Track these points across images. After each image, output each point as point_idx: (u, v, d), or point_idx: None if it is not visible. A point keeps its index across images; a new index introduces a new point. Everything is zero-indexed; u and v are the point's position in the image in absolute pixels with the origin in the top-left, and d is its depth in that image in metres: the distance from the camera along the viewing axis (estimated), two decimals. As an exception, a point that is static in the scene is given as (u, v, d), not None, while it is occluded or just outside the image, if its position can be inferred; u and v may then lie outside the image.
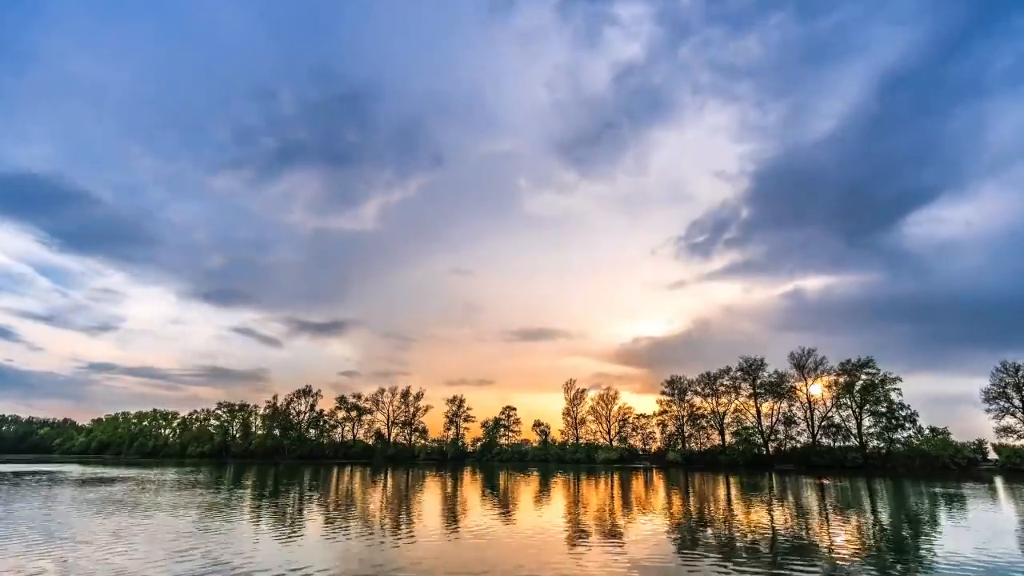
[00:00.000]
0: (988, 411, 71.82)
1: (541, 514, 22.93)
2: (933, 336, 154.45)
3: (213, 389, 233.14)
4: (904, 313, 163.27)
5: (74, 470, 59.39)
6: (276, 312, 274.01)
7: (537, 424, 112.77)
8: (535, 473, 61.52)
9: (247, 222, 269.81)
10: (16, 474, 48.29)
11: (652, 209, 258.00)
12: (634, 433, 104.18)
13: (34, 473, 50.65)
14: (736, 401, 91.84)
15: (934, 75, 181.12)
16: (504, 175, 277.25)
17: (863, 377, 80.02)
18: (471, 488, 38.44)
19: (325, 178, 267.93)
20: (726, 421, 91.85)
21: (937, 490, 36.36)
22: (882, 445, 76.72)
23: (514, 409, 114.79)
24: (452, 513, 22.83)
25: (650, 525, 19.34)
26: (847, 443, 79.72)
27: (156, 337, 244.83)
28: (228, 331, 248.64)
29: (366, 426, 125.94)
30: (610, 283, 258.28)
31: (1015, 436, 69.40)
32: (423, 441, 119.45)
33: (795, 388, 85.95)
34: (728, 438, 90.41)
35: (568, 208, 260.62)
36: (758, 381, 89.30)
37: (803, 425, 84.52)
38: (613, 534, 17.23)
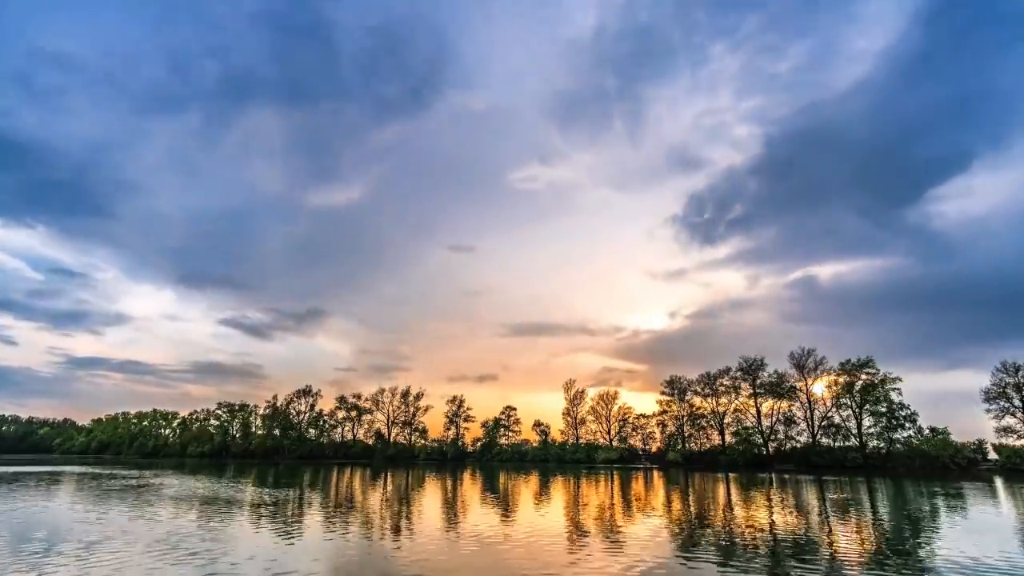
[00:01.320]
0: (988, 411, 71.91)
1: (541, 515, 22.92)
2: (960, 327, 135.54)
3: (203, 387, 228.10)
4: (928, 302, 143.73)
5: (74, 470, 59.38)
6: (259, 300, 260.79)
7: (537, 424, 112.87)
8: (535, 473, 61.50)
9: (205, 185, 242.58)
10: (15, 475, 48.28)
11: (649, 183, 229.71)
12: (634, 433, 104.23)
13: (35, 474, 50.63)
14: (736, 401, 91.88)
15: (985, 4, 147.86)
16: (482, 139, 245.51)
17: (863, 377, 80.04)
18: (471, 489, 38.44)
19: (287, 123, 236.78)
20: (726, 421, 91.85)
21: (937, 491, 36.36)
22: (882, 445, 76.71)
23: (514, 409, 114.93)
24: (452, 515, 22.82)
25: (650, 526, 19.33)
26: (847, 443, 79.71)
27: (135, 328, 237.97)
28: (208, 320, 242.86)
29: (366, 426, 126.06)
30: (609, 270, 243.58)
31: (1015, 436, 69.45)
32: (423, 441, 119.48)
33: (795, 388, 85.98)
34: (728, 438, 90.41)
35: (555, 181, 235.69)
36: (758, 381, 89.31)
37: (803, 425, 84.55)
38: (613, 535, 17.23)
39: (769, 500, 30.02)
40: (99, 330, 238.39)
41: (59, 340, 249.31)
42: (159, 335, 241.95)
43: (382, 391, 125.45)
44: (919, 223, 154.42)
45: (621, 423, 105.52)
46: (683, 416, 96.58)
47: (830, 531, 18.19)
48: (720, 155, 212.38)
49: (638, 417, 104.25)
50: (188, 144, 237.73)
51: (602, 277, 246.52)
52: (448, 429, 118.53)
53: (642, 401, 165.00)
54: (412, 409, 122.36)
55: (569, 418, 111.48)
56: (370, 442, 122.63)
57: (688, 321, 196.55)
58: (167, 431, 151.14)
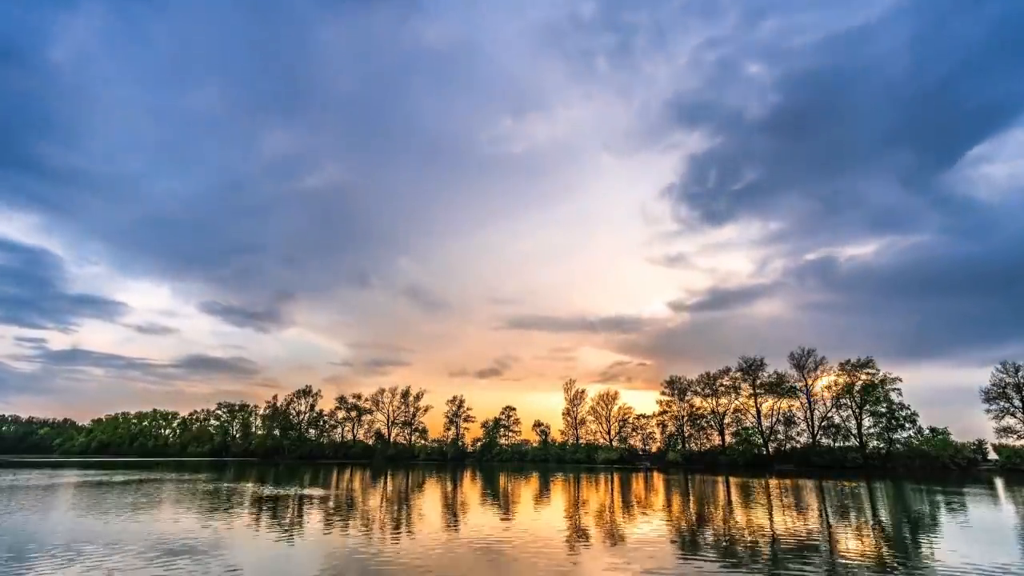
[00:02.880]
0: (988, 411, 71.95)
1: (541, 517, 22.91)
2: (996, 313, 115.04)
3: (193, 381, 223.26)
4: (971, 285, 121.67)
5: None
6: (251, 292, 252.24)
7: (537, 424, 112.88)
8: (535, 474, 61.49)
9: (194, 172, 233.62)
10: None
11: (644, 145, 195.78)
12: (634, 433, 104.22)
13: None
14: (736, 401, 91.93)
15: None
16: (450, 90, 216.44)
17: (863, 377, 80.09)
18: (471, 490, 38.43)
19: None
20: (726, 421, 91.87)
21: (936, 492, 36.33)
22: (882, 445, 76.73)
23: (514, 409, 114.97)
24: (452, 517, 22.80)
25: (650, 527, 19.31)
26: (847, 443, 79.76)
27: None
28: (198, 313, 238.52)
29: (366, 426, 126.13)
30: (604, 255, 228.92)
31: (1015, 436, 69.48)
32: (423, 441, 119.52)
33: (795, 388, 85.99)
34: (728, 438, 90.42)
35: (535, 145, 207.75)
36: (758, 381, 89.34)
37: (803, 425, 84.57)
38: (613, 537, 17.21)
39: (769, 500, 30.01)
40: (76, 322, 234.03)
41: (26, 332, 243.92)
42: (144, 328, 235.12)
43: (382, 391, 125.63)
44: (957, 189, 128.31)
45: (621, 423, 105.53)
46: (683, 416, 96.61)
47: (830, 532, 18.18)
48: (726, 103, 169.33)
49: (638, 417, 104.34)
50: (136, 99, 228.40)
51: (597, 262, 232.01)
52: (448, 429, 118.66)
53: (644, 399, 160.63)
54: (412, 409, 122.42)
55: (569, 418, 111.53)
56: (370, 442, 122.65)
57: (691, 312, 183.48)
58: (167, 431, 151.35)
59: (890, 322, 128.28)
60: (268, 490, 34.43)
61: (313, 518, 21.27)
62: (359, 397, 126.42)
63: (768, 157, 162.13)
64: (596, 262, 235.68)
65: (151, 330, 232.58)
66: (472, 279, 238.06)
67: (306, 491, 33.90)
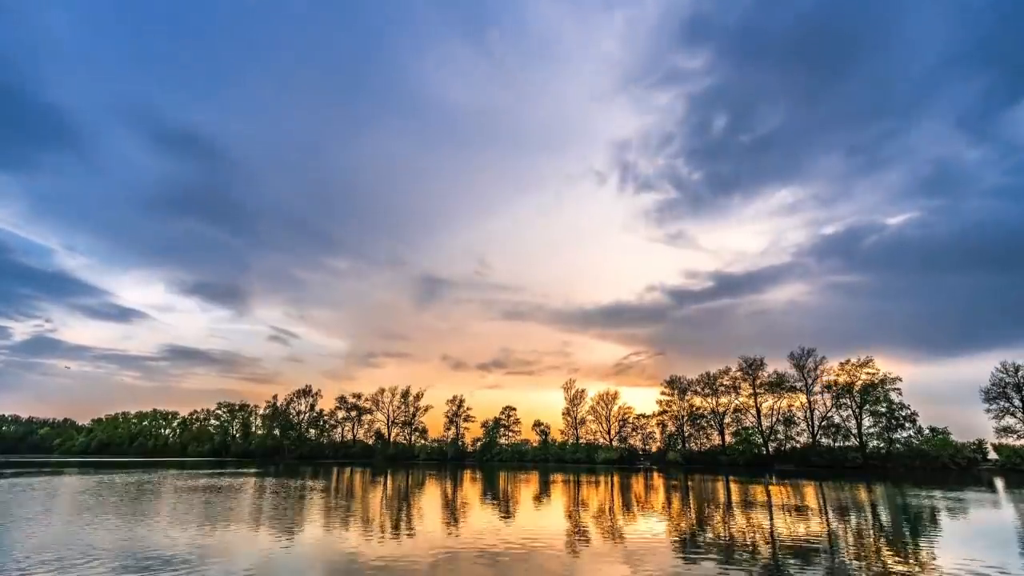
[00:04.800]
0: (988, 411, 71.98)
1: (541, 518, 22.91)
2: None
3: (187, 375, 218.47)
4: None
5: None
6: (243, 285, 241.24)
7: (537, 424, 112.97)
8: (535, 474, 61.50)
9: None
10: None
11: (634, 80, 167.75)
12: (634, 433, 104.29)
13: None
14: (736, 401, 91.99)
15: None
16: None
17: (863, 377, 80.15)
18: (471, 491, 38.44)
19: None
20: (726, 421, 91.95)
21: (936, 492, 36.34)
22: (882, 445, 76.77)
23: (514, 409, 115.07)
24: (452, 519, 22.81)
25: (651, 528, 19.31)
26: (847, 443, 79.83)
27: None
28: (190, 306, 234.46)
29: (366, 426, 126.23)
30: (593, 226, 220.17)
31: (1015, 436, 69.50)
32: (423, 441, 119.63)
33: (795, 388, 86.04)
34: (728, 438, 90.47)
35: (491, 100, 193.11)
36: (758, 381, 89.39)
37: (803, 425, 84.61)
38: (613, 538, 17.20)
39: (769, 501, 30.01)
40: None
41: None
42: (131, 319, 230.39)
43: (382, 391, 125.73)
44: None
45: (621, 423, 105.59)
46: (683, 416, 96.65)
47: (830, 533, 18.17)
48: (737, 20, 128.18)
49: (638, 417, 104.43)
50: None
51: (584, 244, 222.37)
52: (448, 429, 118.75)
53: (645, 396, 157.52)
54: (412, 409, 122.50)
55: (569, 418, 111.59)
56: (370, 442, 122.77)
57: (695, 302, 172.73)
58: (167, 431, 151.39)
59: (933, 305, 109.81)
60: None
61: (313, 518, 21.26)
62: (359, 397, 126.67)
63: (793, 95, 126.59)
64: (583, 242, 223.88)
65: (135, 321, 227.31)
66: (466, 261, 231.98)
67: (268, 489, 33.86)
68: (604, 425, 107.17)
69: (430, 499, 31.14)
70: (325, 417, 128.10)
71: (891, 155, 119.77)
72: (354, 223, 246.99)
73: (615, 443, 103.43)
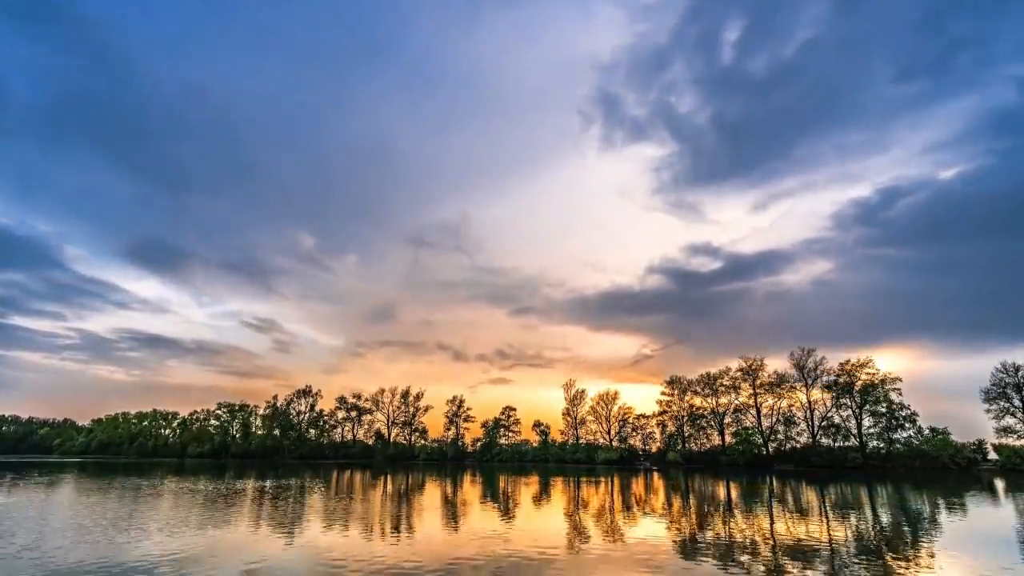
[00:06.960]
0: (988, 411, 72.02)
1: (541, 519, 22.89)
2: None
3: (183, 368, 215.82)
4: None
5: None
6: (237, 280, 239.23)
7: (537, 424, 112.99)
8: (535, 475, 61.46)
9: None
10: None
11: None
12: (634, 433, 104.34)
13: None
14: (736, 401, 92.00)
15: None
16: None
17: (863, 377, 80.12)
18: (471, 492, 38.42)
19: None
20: (726, 421, 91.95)
21: (935, 493, 36.31)
22: (882, 445, 76.77)
23: (514, 409, 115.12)
24: (452, 520, 22.79)
25: (651, 530, 19.29)
26: (847, 443, 79.82)
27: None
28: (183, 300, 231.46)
29: (366, 426, 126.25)
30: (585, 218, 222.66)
31: (1015, 436, 69.50)
32: (423, 441, 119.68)
33: (795, 388, 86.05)
34: (728, 438, 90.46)
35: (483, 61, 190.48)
36: (758, 381, 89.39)
37: (803, 425, 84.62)
38: (614, 539, 17.18)
39: (769, 501, 29.99)
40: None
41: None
42: (123, 311, 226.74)
43: (382, 391, 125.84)
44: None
45: (621, 423, 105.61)
46: (683, 416, 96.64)
47: (830, 533, 18.15)
48: None
49: (638, 417, 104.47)
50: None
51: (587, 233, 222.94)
52: (448, 429, 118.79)
53: (646, 394, 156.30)
54: (412, 409, 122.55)
55: (569, 418, 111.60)
56: (370, 442, 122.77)
57: (702, 287, 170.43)
58: (167, 431, 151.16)
59: (984, 282, 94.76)
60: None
61: (313, 517, 21.24)
62: (359, 397, 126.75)
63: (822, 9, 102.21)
64: (577, 218, 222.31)
65: (140, 315, 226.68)
66: (450, 236, 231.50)
67: (268, 490, 33.85)
68: (604, 425, 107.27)
69: (430, 500, 31.11)
70: (325, 417, 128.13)
71: (958, 79, 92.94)
72: (343, 203, 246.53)
73: (615, 443, 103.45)
